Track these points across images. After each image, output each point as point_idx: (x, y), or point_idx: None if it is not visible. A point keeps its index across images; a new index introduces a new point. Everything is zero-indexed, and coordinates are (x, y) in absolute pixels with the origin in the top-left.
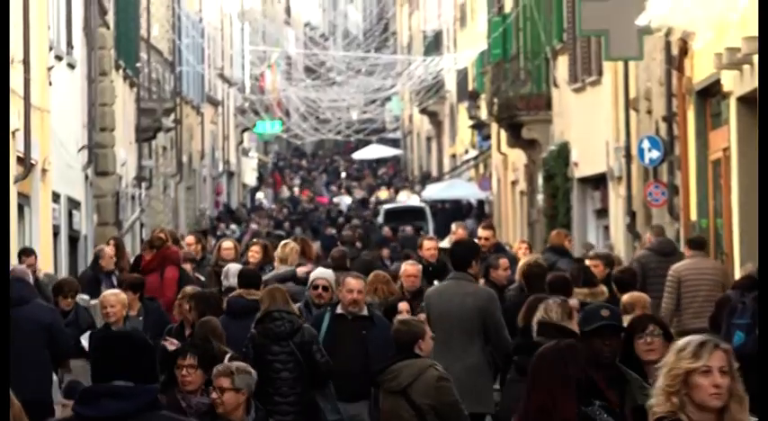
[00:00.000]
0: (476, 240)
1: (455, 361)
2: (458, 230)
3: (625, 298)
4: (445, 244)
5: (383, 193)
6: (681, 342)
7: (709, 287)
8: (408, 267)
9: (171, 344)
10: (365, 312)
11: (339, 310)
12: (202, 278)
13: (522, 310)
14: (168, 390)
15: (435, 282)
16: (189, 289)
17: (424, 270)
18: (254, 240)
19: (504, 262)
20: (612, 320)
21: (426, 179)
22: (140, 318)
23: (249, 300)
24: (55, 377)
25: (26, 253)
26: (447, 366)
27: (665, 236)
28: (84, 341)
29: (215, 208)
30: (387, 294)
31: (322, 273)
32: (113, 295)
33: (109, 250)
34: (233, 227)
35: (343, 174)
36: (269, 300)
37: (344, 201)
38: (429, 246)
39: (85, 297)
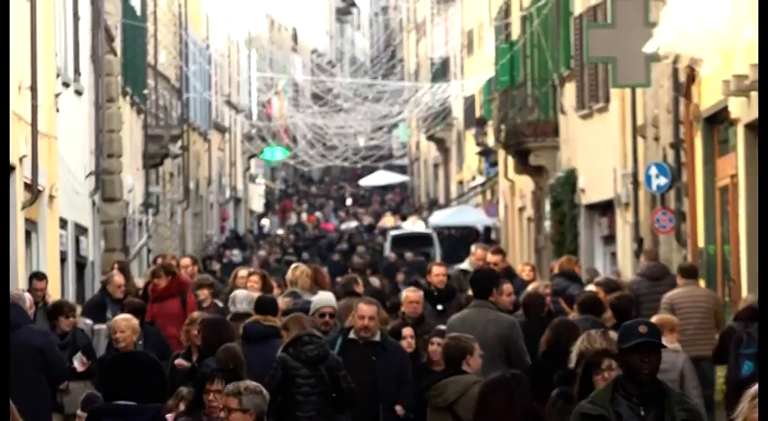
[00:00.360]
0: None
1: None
2: (477, 251)
3: (654, 319)
4: (465, 265)
5: (389, 220)
6: (752, 390)
7: (701, 315)
8: (410, 294)
9: (181, 365)
10: (377, 338)
11: (351, 335)
12: (220, 304)
13: (546, 334)
14: (194, 413)
15: (438, 307)
16: (196, 314)
17: (431, 295)
18: (252, 270)
19: (507, 287)
20: (651, 337)
21: (433, 205)
22: (140, 342)
23: (266, 325)
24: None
25: (38, 277)
26: None
27: (657, 260)
28: (76, 362)
29: (221, 234)
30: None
31: (327, 301)
32: (124, 321)
33: (118, 278)
34: (236, 251)
35: (349, 201)
36: (297, 326)
37: (352, 227)
38: (438, 272)
39: (88, 321)
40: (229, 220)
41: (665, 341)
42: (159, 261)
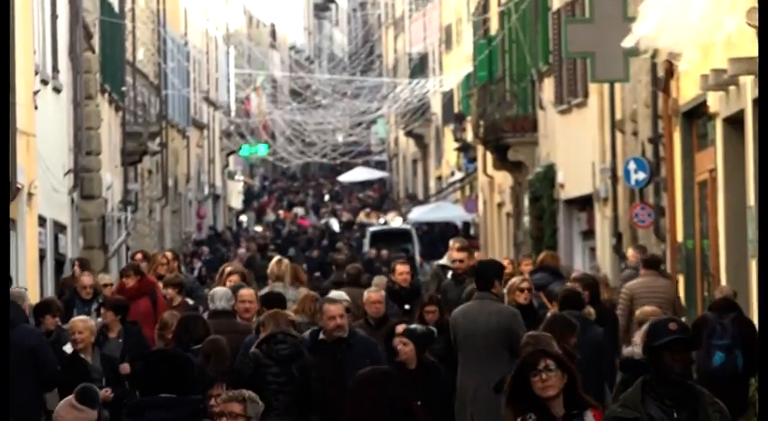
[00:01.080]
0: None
1: (483, 379)
2: (455, 245)
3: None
4: (444, 261)
5: (367, 216)
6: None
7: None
8: (371, 294)
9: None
10: (344, 334)
11: (321, 336)
12: (191, 302)
13: (542, 327)
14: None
15: (406, 306)
16: (167, 315)
17: (396, 294)
18: (230, 269)
19: None
20: (681, 334)
21: (412, 200)
22: (120, 341)
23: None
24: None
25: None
26: (477, 384)
27: (647, 255)
28: (68, 348)
29: (198, 231)
30: (314, 313)
31: (342, 298)
32: (82, 322)
33: (86, 279)
34: (205, 249)
35: (327, 197)
36: (273, 323)
37: (334, 223)
38: (401, 271)
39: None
40: (208, 217)
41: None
42: (138, 256)
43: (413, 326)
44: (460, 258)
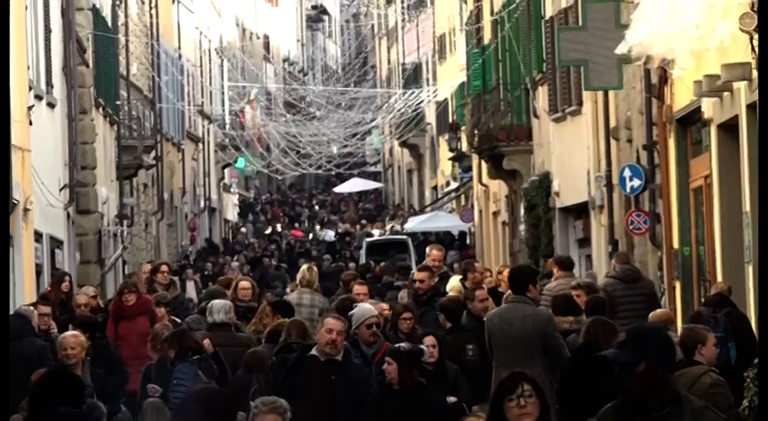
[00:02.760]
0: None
1: None
2: (432, 252)
3: (652, 316)
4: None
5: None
6: None
7: None
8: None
9: (153, 390)
10: (339, 357)
11: (313, 352)
12: (178, 320)
13: (583, 331)
14: None
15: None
16: (159, 326)
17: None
18: (241, 277)
19: (480, 293)
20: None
21: (398, 210)
22: (88, 358)
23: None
24: None
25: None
26: None
27: (630, 263)
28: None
29: (191, 243)
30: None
31: (372, 311)
32: (73, 337)
33: (81, 298)
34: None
35: (319, 208)
36: (296, 333)
37: (329, 234)
38: (359, 291)
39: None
40: (204, 230)
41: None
42: (142, 274)
43: (402, 344)
44: (421, 278)
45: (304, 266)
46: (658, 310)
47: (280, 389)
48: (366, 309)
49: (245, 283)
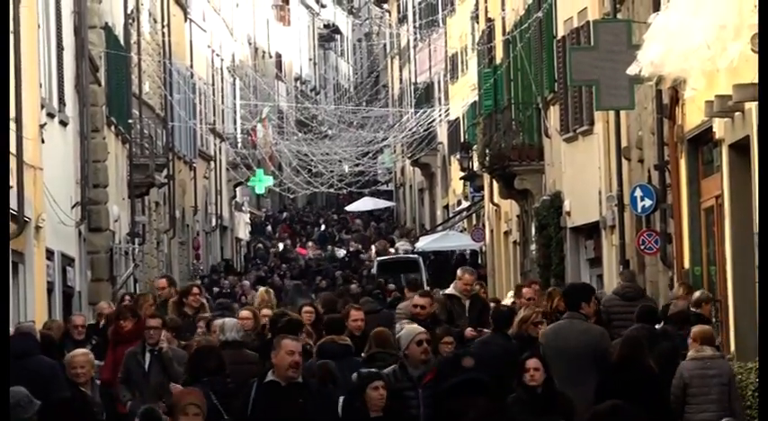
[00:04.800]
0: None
1: (573, 395)
2: (464, 276)
3: (694, 331)
4: (450, 290)
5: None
6: None
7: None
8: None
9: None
10: (300, 379)
11: (270, 377)
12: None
13: (620, 346)
14: None
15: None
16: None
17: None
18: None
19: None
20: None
21: (397, 230)
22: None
23: (340, 344)
24: None
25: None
26: None
27: (634, 281)
28: None
29: (197, 261)
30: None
31: (420, 327)
32: (82, 355)
33: (78, 319)
34: (225, 282)
35: (326, 227)
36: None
37: (340, 253)
38: (356, 317)
39: None
40: (215, 248)
41: (709, 351)
42: (149, 297)
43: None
44: (422, 304)
45: (262, 289)
46: (699, 326)
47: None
48: (413, 326)
49: (245, 313)
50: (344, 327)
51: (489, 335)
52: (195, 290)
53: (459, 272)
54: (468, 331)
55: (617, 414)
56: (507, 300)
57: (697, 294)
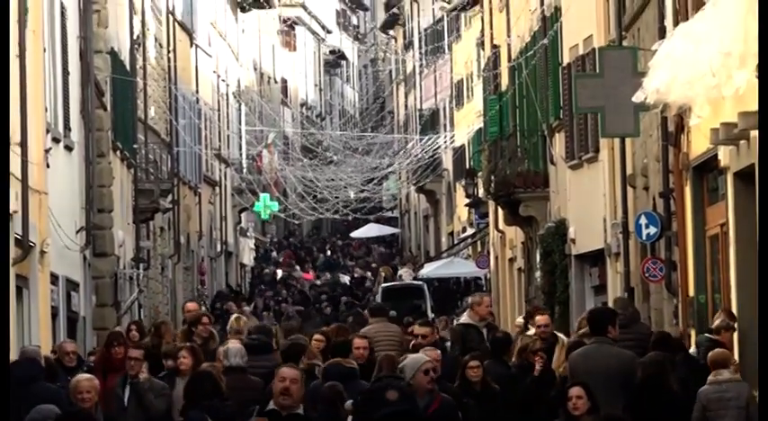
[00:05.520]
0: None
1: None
2: (483, 299)
3: (711, 355)
4: (465, 319)
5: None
6: None
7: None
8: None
9: None
10: (300, 410)
11: (270, 406)
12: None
13: (645, 366)
14: None
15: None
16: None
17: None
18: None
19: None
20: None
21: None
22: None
23: (347, 366)
24: None
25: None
26: None
27: (627, 308)
28: None
29: (202, 286)
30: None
31: (424, 356)
32: (87, 381)
33: (69, 346)
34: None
35: (331, 253)
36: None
37: (344, 278)
38: (359, 345)
39: None
40: (220, 274)
41: (726, 374)
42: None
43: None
44: (424, 334)
45: (233, 316)
46: (717, 350)
47: None
48: (418, 356)
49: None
50: (350, 351)
51: (488, 362)
52: (205, 319)
53: (475, 298)
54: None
55: None
56: (519, 322)
57: (717, 322)
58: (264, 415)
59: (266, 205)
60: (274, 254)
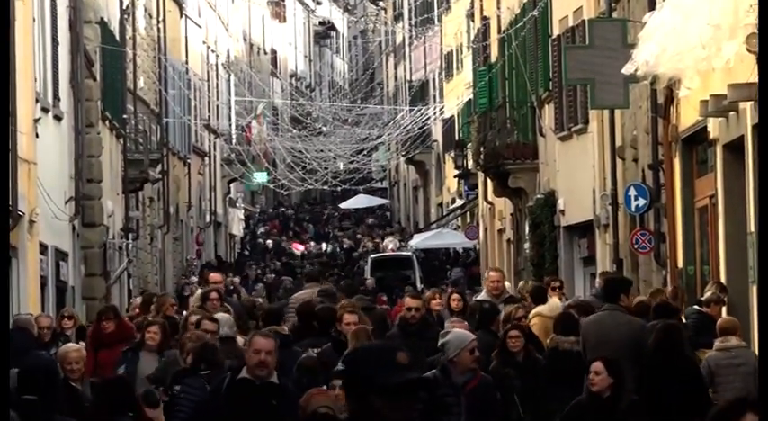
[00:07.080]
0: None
1: None
2: (489, 273)
3: (720, 322)
4: (483, 296)
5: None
6: None
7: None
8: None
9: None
10: (274, 378)
11: (243, 374)
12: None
13: (657, 332)
14: None
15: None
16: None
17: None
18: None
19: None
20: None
21: (400, 231)
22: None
23: (281, 334)
24: None
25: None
26: None
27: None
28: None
29: (198, 258)
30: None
31: (470, 334)
32: (76, 352)
33: (45, 321)
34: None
35: (314, 224)
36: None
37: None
38: (348, 321)
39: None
40: (209, 245)
41: (734, 341)
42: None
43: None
44: (416, 306)
45: (198, 291)
46: (724, 318)
47: (212, 416)
48: (465, 333)
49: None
50: (283, 317)
51: (478, 333)
52: (214, 295)
53: (487, 272)
54: None
55: None
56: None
57: (707, 294)
58: (237, 383)
59: (255, 182)
60: (261, 230)
